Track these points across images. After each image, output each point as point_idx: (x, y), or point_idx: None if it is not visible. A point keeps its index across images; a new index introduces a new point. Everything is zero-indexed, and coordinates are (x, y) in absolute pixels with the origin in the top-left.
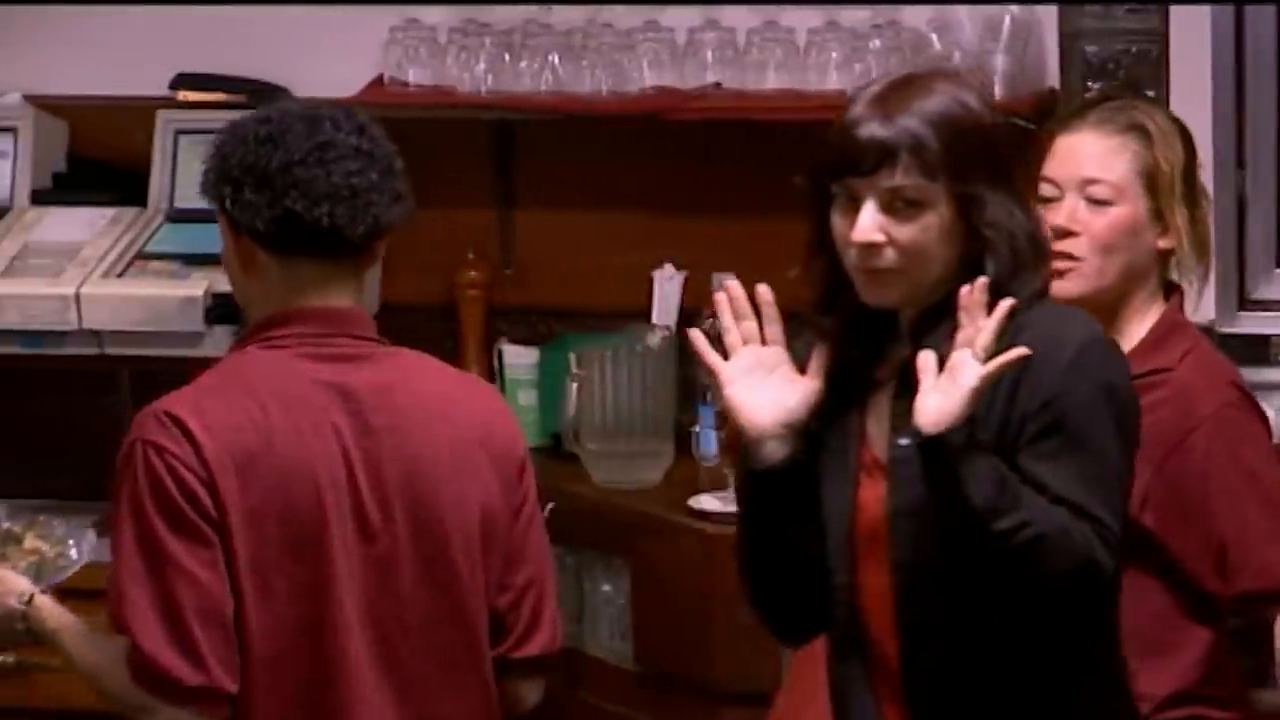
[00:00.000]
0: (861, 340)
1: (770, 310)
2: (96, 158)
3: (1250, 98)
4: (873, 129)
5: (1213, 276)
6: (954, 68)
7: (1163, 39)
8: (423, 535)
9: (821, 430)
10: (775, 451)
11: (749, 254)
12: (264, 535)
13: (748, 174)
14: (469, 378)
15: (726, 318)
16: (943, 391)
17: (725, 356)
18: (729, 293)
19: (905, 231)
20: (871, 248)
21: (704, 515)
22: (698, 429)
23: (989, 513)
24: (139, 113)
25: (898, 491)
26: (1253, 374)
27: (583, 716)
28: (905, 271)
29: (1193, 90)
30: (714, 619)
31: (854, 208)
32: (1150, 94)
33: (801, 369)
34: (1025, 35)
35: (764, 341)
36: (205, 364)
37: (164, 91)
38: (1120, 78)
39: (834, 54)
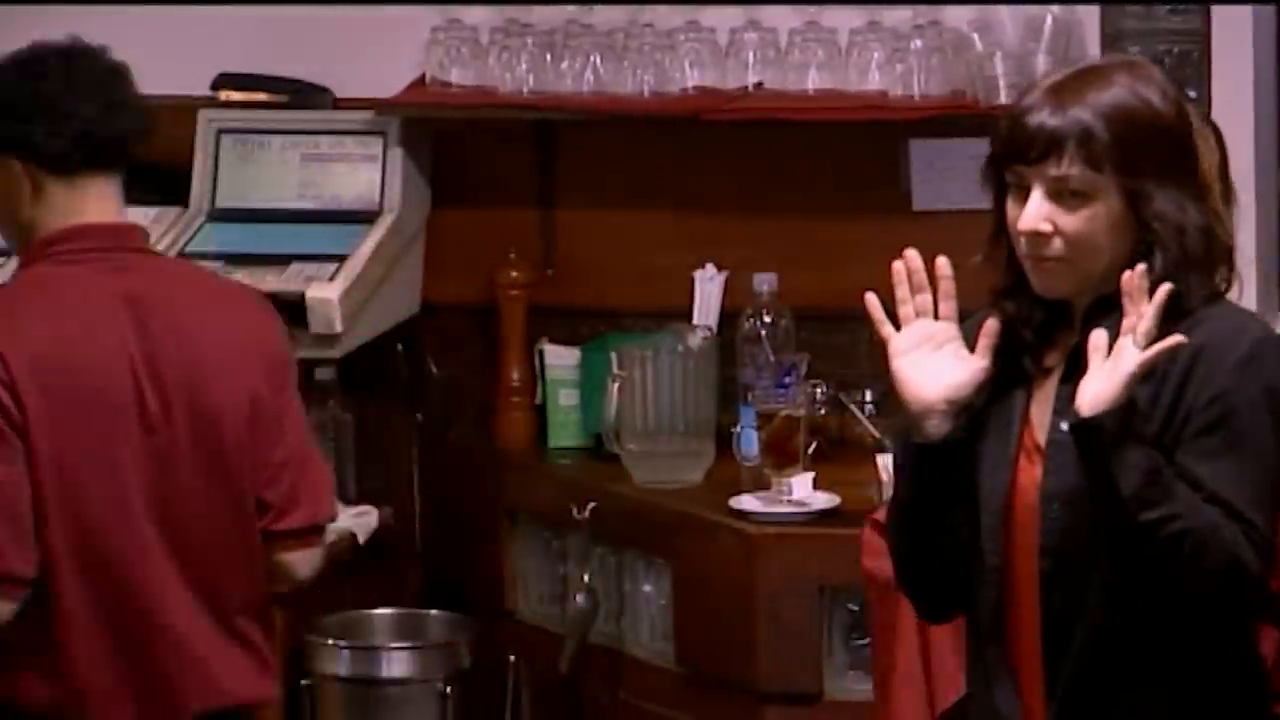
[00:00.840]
0: (1035, 327)
1: (947, 285)
2: (138, 157)
3: None
4: (1043, 117)
5: (1254, 278)
6: (1140, 60)
7: (1204, 40)
8: (199, 427)
9: (986, 411)
10: (937, 427)
11: (790, 254)
12: (62, 436)
13: (789, 174)
14: (237, 286)
15: (902, 289)
16: (1104, 376)
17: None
18: (908, 264)
19: (1071, 221)
20: (1038, 236)
21: (745, 515)
22: (738, 429)
23: (1136, 501)
24: (181, 112)
25: (1052, 475)
26: None
27: (624, 716)
28: (1072, 261)
29: (1234, 91)
30: (755, 619)
31: (1024, 196)
32: (1192, 95)
33: (970, 348)
34: (1067, 36)
35: (937, 317)
36: None
37: (206, 91)
38: None
39: (875, 54)
